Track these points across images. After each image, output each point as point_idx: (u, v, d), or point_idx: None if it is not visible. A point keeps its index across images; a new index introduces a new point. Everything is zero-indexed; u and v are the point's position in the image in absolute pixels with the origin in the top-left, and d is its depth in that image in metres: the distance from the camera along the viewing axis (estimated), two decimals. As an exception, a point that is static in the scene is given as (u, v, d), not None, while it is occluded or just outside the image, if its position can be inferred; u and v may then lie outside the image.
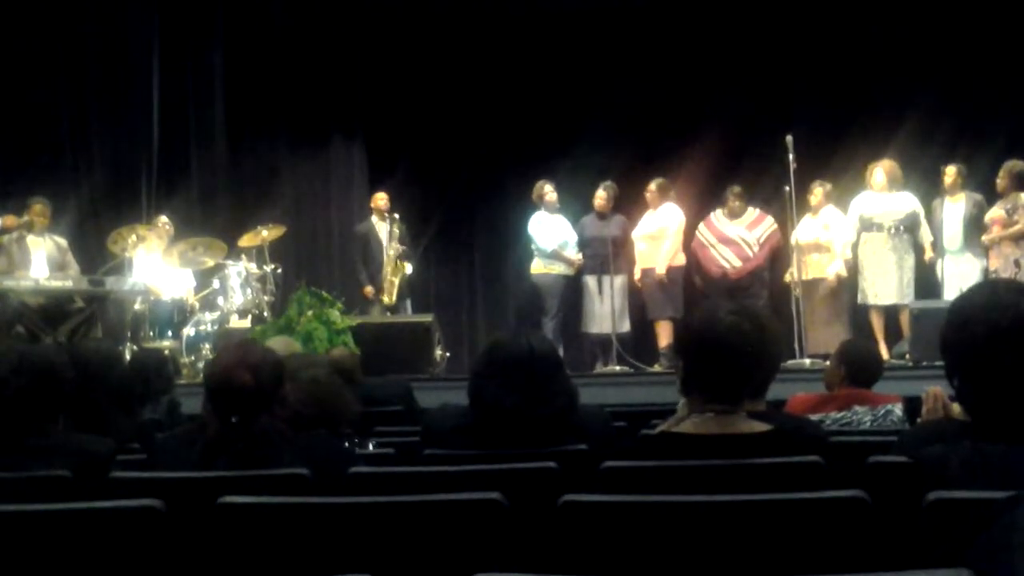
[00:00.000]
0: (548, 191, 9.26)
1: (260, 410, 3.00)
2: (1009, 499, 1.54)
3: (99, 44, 10.39)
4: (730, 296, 8.62)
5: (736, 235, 9.04)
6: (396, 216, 9.57)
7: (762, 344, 2.60)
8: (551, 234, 9.18)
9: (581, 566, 2.04)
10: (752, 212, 9.13)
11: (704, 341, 2.59)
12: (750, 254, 8.98)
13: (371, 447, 3.64)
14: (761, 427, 2.59)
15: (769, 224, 9.03)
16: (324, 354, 6.04)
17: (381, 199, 9.71)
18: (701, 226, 9.19)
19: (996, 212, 8.11)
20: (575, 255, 9.17)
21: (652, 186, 9.06)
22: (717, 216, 9.18)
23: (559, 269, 9.17)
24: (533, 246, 9.24)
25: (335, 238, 11.19)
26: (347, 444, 3.45)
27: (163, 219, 9.31)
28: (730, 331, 2.56)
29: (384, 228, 9.56)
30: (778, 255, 9.07)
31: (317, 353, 6.64)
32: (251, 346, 3.21)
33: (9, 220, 8.25)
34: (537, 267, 9.21)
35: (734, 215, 9.11)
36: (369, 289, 9.46)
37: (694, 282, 9.17)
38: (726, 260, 9.01)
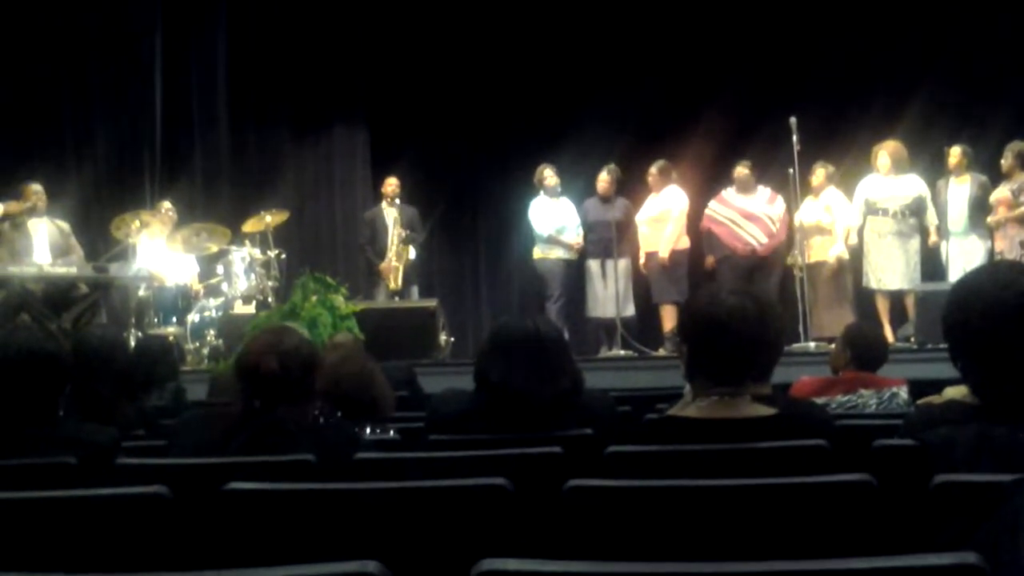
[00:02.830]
0: (548, 175, 9.24)
1: (283, 399, 2.99)
2: (1015, 482, 1.54)
3: (101, 28, 10.36)
4: (748, 275, 8.58)
5: (760, 211, 8.84)
6: (398, 201, 9.52)
7: (765, 326, 2.58)
8: (548, 219, 9.15)
9: (587, 551, 2.03)
10: (764, 190, 8.98)
11: (707, 324, 2.57)
12: (773, 230, 8.79)
13: (392, 433, 3.62)
14: (766, 411, 2.59)
15: (782, 203, 8.84)
16: (328, 339, 6.03)
17: (390, 184, 9.67)
18: (713, 204, 9.01)
19: (1002, 193, 8.04)
20: (574, 239, 9.15)
21: (653, 169, 9.00)
22: (730, 193, 8.98)
23: (558, 254, 9.15)
24: (533, 232, 9.24)
25: (338, 223, 11.18)
26: (367, 432, 3.45)
27: (166, 205, 9.29)
28: (733, 313, 2.54)
29: (391, 214, 9.54)
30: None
31: (322, 339, 6.63)
32: (285, 334, 3.17)
33: (11, 206, 8.22)
34: (537, 252, 9.20)
35: (747, 190, 8.93)
36: (384, 266, 9.41)
37: (703, 263, 9.04)
38: (753, 237, 8.81)
